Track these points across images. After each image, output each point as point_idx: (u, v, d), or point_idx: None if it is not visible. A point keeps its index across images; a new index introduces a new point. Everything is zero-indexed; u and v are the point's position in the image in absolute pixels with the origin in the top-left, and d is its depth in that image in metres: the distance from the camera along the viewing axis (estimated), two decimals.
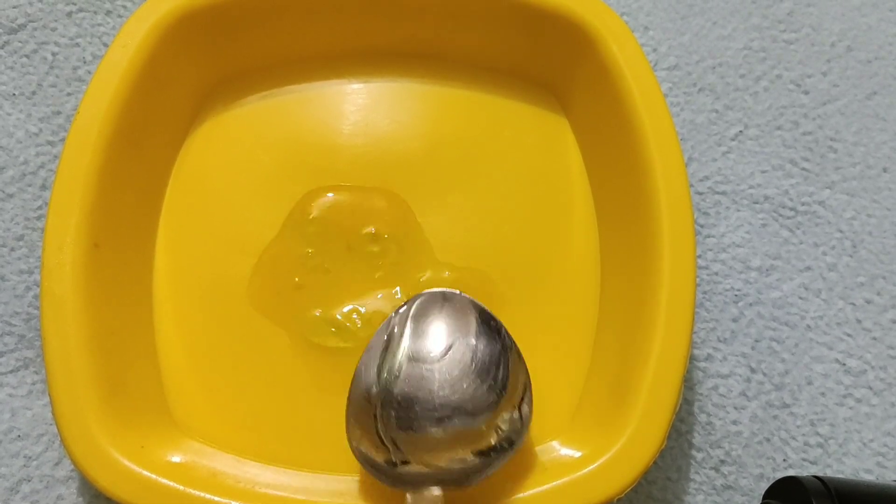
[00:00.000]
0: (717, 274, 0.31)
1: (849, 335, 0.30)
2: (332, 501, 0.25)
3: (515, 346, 0.26)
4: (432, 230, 0.30)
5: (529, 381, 0.25)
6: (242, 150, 0.31)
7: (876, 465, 0.29)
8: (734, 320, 0.30)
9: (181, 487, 0.24)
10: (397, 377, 0.25)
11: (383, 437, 0.24)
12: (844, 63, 0.34)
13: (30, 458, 0.27)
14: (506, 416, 0.25)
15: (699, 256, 0.31)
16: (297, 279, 0.29)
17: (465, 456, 0.24)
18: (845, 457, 0.29)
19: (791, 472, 0.29)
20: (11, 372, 0.28)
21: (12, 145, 0.31)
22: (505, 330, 0.26)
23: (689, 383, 0.29)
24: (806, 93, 0.34)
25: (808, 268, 0.31)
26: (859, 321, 0.31)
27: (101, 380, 0.25)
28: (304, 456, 0.27)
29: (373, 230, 0.29)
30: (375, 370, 0.25)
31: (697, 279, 0.28)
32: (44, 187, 0.31)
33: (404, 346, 0.25)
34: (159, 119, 0.29)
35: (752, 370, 0.30)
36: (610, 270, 0.29)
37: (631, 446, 0.24)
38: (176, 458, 0.26)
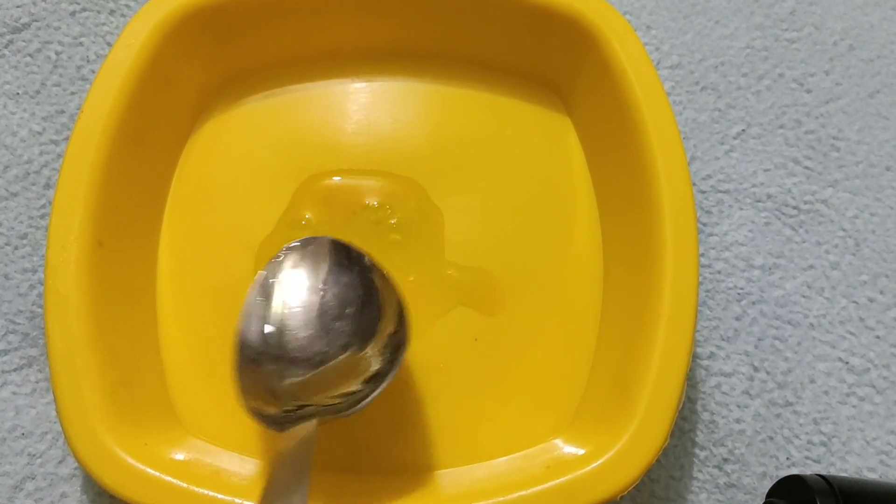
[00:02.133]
0: (719, 272, 0.31)
1: (852, 333, 0.30)
2: (335, 500, 0.25)
3: (380, 270, 0.26)
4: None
5: (402, 302, 0.26)
6: (245, 149, 0.31)
7: (879, 463, 0.29)
8: (737, 319, 0.30)
9: (184, 485, 0.24)
10: (279, 332, 0.25)
11: (276, 391, 0.25)
12: (847, 62, 0.34)
13: (34, 455, 0.28)
14: (384, 341, 0.25)
15: (702, 255, 0.31)
16: None
17: (355, 387, 0.25)
18: (848, 455, 0.29)
19: (794, 471, 0.29)
20: (15, 370, 0.28)
21: (16, 144, 0.31)
22: (368, 259, 0.26)
23: (692, 381, 0.29)
24: (808, 91, 0.34)
25: (811, 266, 0.31)
26: (862, 319, 0.31)
27: (104, 378, 0.25)
28: None
29: (375, 203, 0.30)
30: (256, 329, 0.25)
31: (700, 278, 0.28)
32: (47, 186, 0.31)
33: (277, 301, 0.26)
34: (163, 118, 0.29)
35: (755, 368, 0.30)
36: (613, 269, 0.29)
37: (634, 444, 0.24)
38: (179, 456, 0.26)
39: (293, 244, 0.27)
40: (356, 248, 0.27)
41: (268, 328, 0.25)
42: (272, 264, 0.27)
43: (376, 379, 0.25)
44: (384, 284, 0.26)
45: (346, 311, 0.26)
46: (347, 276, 0.26)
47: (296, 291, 0.26)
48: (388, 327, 0.26)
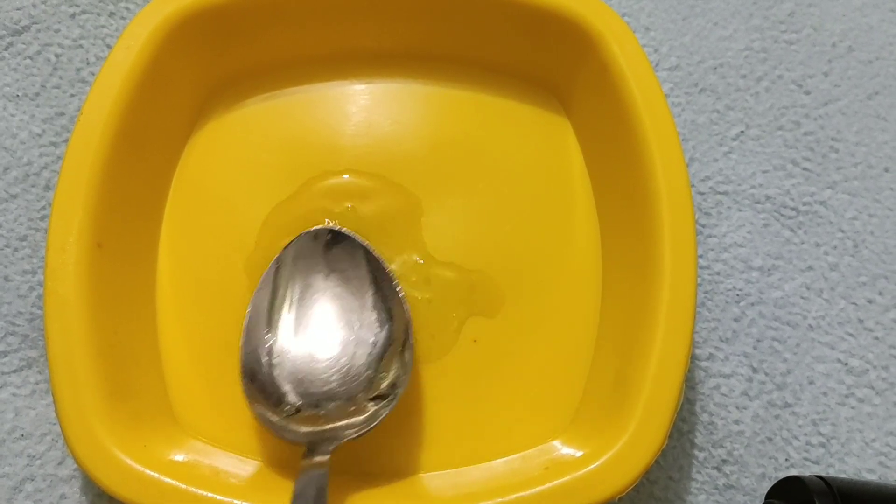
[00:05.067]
0: (718, 274, 0.31)
1: (851, 335, 0.30)
2: (331, 502, 0.25)
3: (395, 284, 0.26)
4: (434, 230, 0.30)
5: (410, 322, 0.26)
6: (245, 151, 0.31)
7: (878, 464, 0.29)
8: (736, 320, 0.30)
9: (184, 486, 0.24)
10: (288, 325, 0.26)
11: (281, 394, 0.25)
12: (845, 63, 0.35)
13: (33, 457, 0.28)
14: (393, 363, 0.26)
15: (700, 256, 0.31)
16: None
17: (358, 405, 0.25)
18: (847, 456, 0.29)
19: (793, 472, 0.29)
20: (15, 371, 0.29)
21: (16, 146, 0.31)
22: (388, 271, 0.27)
23: (690, 383, 0.30)
24: (807, 93, 0.34)
25: (810, 267, 0.31)
26: (861, 321, 0.31)
27: (104, 379, 0.25)
28: None
29: (374, 204, 0.30)
30: (266, 318, 0.26)
31: (699, 279, 0.28)
32: (47, 188, 0.31)
33: (290, 293, 0.26)
34: (162, 120, 0.29)
35: (754, 370, 0.30)
36: (611, 271, 0.29)
37: (632, 445, 0.24)
38: (179, 457, 0.26)
39: (309, 237, 0.27)
40: (381, 261, 0.27)
41: (282, 328, 0.26)
42: (295, 252, 0.26)
43: (385, 397, 0.25)
44: (399, 306, 0.26)
45: (366, 328, 0.26)
46: (376, 294, 0.26)
47: (305, 300, 0.26)
48: (398, 345, 0.26)
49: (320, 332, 0.26)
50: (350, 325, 0.26)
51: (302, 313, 0.26)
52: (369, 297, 0.26)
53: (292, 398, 0.25)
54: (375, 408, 0.25)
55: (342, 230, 0.27)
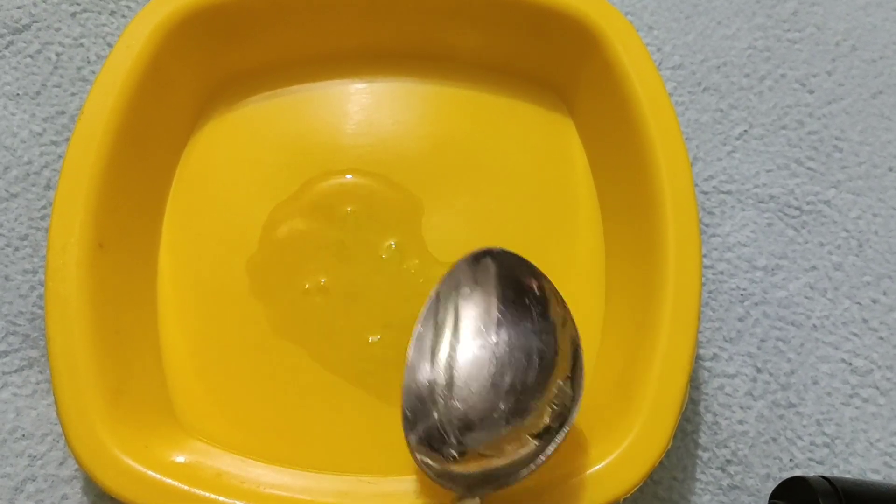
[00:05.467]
0: (722, 273, 0.31)
1: (855, 335, 0.30)
2: (336, 502, 0.25)
3: (559, 298, 0.25)
4: (436, 230, 0.30)
5: (577, 334, 0.24)
6: (246, 151, 0.31)
7: (883, 464, 0.29)
8: (740, 320, 0.30)
9: (185, 487, 0.24)
10: (452, 364, 0.24)
11: (444, 428, 0.23)
12: (849, 62, 0.34)
13: (34, 457, 0.27)
14: (556, 389, 0.24)
15: (705, 256, 0.31)
16: (302, 280, 0.29)
17: (524, 441, 0.23)
18: (852, 457, 0.29)
19: (797, 472, 0.29)
20: (16, 371, 0.28)
21: (16, 145, 0.31)
22: (551, 289, 0.25)
23: (694, 383, 0.29)
24: (811, 92, 0.34)
25: (814, 267, 0.31)
26: (865, 321, 0.31)
27: (105, 379, 0.25)
28: (309, 456, 0.27)
29: (375, 204, 0.29)
30: (429, 358, 0.24)
31: (703, 279, 0.28)
32: (48, 187, 0.31)
33: (451, 328, 0.24)
34: (163, 119, 0.29)
35: (758, 370, 0.30)
36: (615, 270, 0.29)
37: (637, 446, 0.24)
38: (180, 458, 0.26)
39: (465, 261, 0.25)
40: (534, 274, 0.25)
41: (447, 356, 0.24)
42: (454, 278, 0.25)
43: (547, 433, 0.23)
44: (561, 314, 0.24)
45: (529, 350, 0.24)
46: (524, 316, 0.24)
47: (467, 333, 0.24)
48: (563, 371, 0.24)
49: (483, 366, 0.24)
50: (513, 354, 0.24)
51: (464, 346, 0.24)
52: (534, 320, 0.24)
53: (455, 439, 0.23)
54: (537, 445, 0.23)
55: (500, 250, 0.25)
